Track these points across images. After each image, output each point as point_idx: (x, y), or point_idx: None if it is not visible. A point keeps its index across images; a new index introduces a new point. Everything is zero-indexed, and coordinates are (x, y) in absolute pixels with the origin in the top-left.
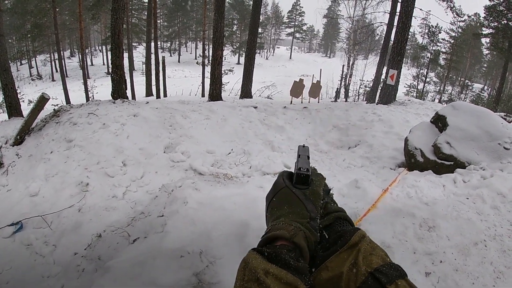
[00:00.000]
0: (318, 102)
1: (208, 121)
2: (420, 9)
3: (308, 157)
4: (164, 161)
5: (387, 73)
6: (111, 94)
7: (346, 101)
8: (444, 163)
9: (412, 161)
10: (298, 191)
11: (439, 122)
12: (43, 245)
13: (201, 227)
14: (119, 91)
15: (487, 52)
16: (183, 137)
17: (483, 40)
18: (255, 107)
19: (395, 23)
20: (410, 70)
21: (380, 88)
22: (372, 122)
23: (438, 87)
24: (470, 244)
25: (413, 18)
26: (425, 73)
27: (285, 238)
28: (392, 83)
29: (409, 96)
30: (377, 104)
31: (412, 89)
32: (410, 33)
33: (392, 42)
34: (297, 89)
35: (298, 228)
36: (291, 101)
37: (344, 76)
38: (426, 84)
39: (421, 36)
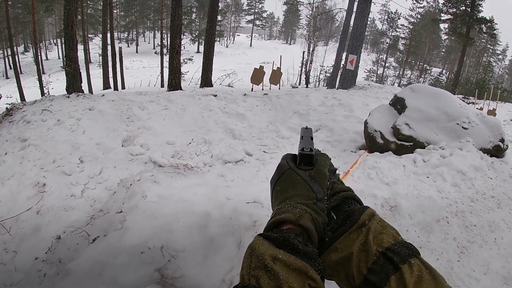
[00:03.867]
0: (279, 88)
1: (167, 111)
2: None
3: (312, 138)
4: (123, 155)
5: (346, 58)
6: (66, 89)
7: (307, 87)
8: (404, 144)
9: (372, 143)
10: (303, 172)
11: (398, 104)
12: (3, 252)
13: (161, 221)
14: (74, 85)
15: (445, 37)
16: (141, 129)
17: (442, 25)
18: (215, 96)
19: (355, 9)
20: (370, 55)
21: (340, 73)
22: (332, 106)
23: (398, 72)
24: (433, 221)
25: (372, 4)
26: (384, 58)
27: (291, 221)
28: (352, 68)
29: (368, 81)
30: (337, 89)
31: (372, 74)
32: (369, 19)
33: (351, 28)
34: (257, 76)
35: (304, 210)
36: (252, 89)
37: (304, 63)
38: (385, 69)
39: (381, 22)
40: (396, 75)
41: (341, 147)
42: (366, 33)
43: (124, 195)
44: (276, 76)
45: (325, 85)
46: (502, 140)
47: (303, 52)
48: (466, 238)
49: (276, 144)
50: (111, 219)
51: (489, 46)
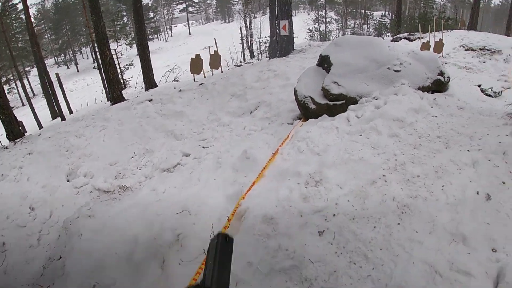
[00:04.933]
0: (222, 72)
1: (105, 131)
2: None
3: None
4: (68, 190)
5: (279, 24)
6: (6, 137)
7: (251, 61)
8: (336, 104)
9: (306, 111)
10: None
11: (324, 63)
12: None
13: (96, 257)
14: (13, 131)
15: None
16: (82, 158)
17: None
18: (150, 100)
19: None
20: (310, 14)
21: (277, 41)
22: (268, 79)
23: (340, 24)
24: (367, 185)
25: None
26: (324, 14)
27: None
28: (286, 33)
29: (309, 42)
30: (277, 57)
31: (316, 32)
32: None
33: None
34: (196, 65)
35: None
36: (194, 79)
37: (244, 38)
38: (328, 25)
39: None
40: (340, 27)
41: (279, 120)
42: None
43: (65, 238)
44: (215, 61)
45: (267, 56)
46: (442, 73)
47: (240, 28)
48: (408, 194)
49: (214, 135)
50: (56, 267)
51: None
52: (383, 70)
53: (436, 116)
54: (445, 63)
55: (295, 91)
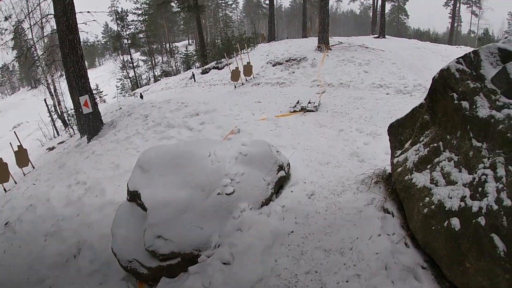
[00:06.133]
0: (34, 168)
1: None
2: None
3: None
4: None
5: (78, 102)
6: None
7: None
8: (171, 264)
9: (138, 276)
10: None
11: (137, 199)
12: None
13: None
14: None
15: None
16: None
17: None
18: None
19: None
20: (117, 61)
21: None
22: (80, 199)
23: (149, 64)
24: None
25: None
26: (130, 59)
27: None
28: (89, 109)
29: (120, 102)
30: (88, 142)
31: (125, 80)
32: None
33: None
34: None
35: None
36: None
37: (52, 110)
38: (136, 69)
39: (116, 24)
40: (149, 68)
41: None
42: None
43: None
44: (21, 158)
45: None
46: (281, 167)
47: (44, 99)
48: None
49: None
50: None
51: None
52: (214, 198)
53: (292, 232)
54: (258, 84)
55: (114, 253)
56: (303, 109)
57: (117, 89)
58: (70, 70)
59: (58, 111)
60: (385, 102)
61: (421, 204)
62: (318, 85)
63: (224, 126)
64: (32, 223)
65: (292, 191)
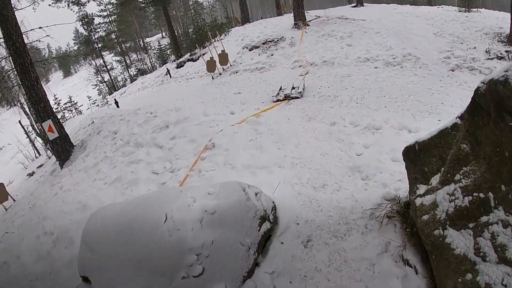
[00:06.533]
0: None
1: None
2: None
3: None
4: None
5: (41, 129)
6: None
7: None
8: None
9: None
10: None
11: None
12: None
13: None
14: None
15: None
16: None
17: None
18: None
19: None
20: (91, 65)
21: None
22: None
23: (123, 63)
24: None
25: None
26: (103, 63)
27: None
28: (56, 134)
29: (91, 109)
30: (60, 165)
31: (101, 85)
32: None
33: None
34: None
35: None
36: None
37: (29, 129)
38: (111, 71)
39: (84, 29)
40: (123, 67)
41: None
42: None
43: None
44: None
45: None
46: (264, 218)
47: (19, 121)
48: None
49: None
50: None
51: None
52: (179, 284)
53: None
54: (236, 72)
55: None
56: (287, 97)
57: (89, 99)
58: (27, 95)
59: (37, 129)
60: (375, 77)
61: (459, 279)
62: (300, 66)
63: (197, 140)
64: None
65: (282, 243)
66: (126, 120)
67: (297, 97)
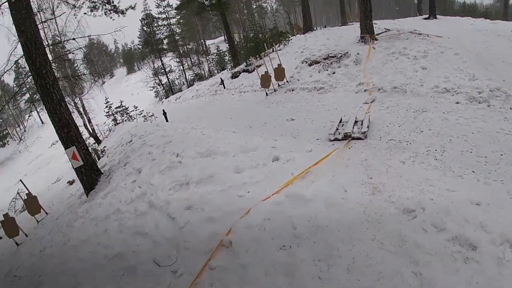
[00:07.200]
0: None
1: None
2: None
3: None
4: None
5: (70, 156)
6: None
7: None
8: None
9: None
10: None
11: None
12: None
13: None
14: None
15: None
16: None
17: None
18: None
19: None
20: (148, 69)
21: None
22: None
23: (180, 67)
24: None
25: None
26: (161, 65)
27: None
28: (80, 162)
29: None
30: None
31: (159, 86)
32: None
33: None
34: None
35: None
36: None
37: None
38: (169, 74)
39: (145, 31)
40: (181, 71)
41: None
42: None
43: None
44: (31, 205)
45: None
46: None
47: None
48: None
49: None
50: None
51: None
52: None
53: None
54: (292, 90)
55: None
56: (347, 136)
57: (136, 109)
58: (50, 118)
59: (89, 128)
60: (457, 117)
61: None
62: (365, 90)
63: (216, 219)
64: None
65: None
66: (152, 157)
67: (360, 138)
